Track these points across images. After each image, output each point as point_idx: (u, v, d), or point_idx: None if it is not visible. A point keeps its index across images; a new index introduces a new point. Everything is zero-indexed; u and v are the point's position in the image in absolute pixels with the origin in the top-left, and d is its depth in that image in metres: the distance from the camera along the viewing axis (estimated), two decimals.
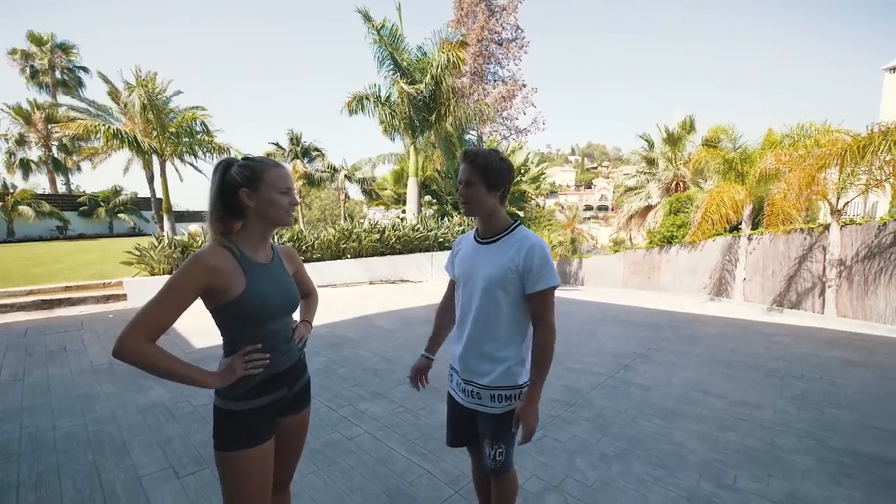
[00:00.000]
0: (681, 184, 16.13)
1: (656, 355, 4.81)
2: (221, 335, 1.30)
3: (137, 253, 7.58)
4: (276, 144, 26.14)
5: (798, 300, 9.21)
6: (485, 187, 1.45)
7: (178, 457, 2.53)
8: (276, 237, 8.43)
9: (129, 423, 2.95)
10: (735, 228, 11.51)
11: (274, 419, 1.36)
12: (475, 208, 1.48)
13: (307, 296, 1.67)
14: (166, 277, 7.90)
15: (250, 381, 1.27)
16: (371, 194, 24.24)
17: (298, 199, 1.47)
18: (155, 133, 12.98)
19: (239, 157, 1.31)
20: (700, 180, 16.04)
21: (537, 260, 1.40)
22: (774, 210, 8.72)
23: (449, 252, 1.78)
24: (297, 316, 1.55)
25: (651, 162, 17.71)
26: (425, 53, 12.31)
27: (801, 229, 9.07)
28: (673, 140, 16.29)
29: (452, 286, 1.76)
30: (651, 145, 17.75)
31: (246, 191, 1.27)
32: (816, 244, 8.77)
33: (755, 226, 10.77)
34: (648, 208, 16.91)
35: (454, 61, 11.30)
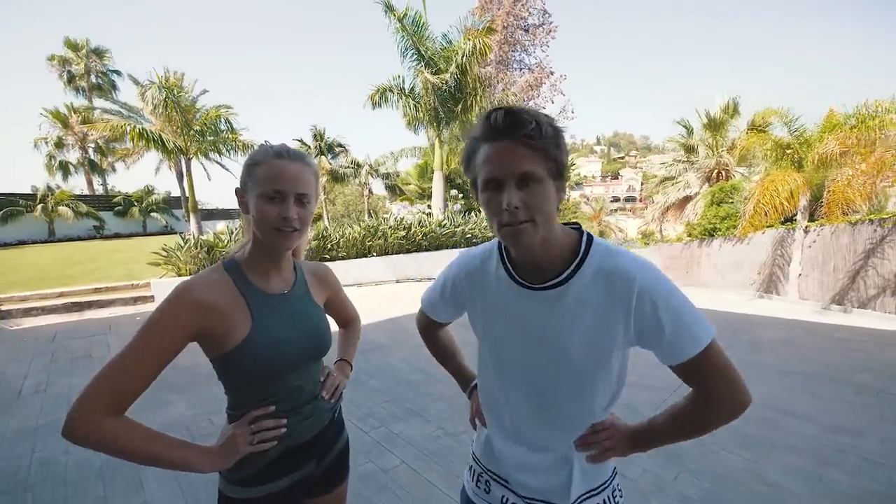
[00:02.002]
0: (723, 172, 15.11)
1: None
2: (225, 391, 0.95)
3: (164, 253, 7.53)
4: (300, 141, 26.25)
5: (866, 299, 8.34)
6: (554, 183, 0.74)
7: (195, 491, 2.25)
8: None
9: None
10: (788, 220, 10.60)
11: (298, 500, 1.01)
12: (543, 231, 0.73)
13: (346, 324, 1.30)
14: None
15: (260, 459, 0.92)
16: (394, 189, 24.03)
17: (297, 213, 0.90)
18: (178, 130, 13.03)
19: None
20: (744, 168, 14.99)
21: (664, 310, 0.73)
22: (836, 198, 7.89)
23: (443, 284, 1.02)
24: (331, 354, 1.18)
25: (690, 149, 16.66)
26: (450, 41, 11.87)
27: (871, 220, 8.18)
28: (714, 125, 15.21)
29: (430, 324, 1.13)
30: (690, 131, 16.69)
31: (239, 190, 0.93)
32: (888, 237, 7.89)
33: (812, 217, 9.86)
34: (687, 199, 15.95)
35: (481, 48, 10.80)
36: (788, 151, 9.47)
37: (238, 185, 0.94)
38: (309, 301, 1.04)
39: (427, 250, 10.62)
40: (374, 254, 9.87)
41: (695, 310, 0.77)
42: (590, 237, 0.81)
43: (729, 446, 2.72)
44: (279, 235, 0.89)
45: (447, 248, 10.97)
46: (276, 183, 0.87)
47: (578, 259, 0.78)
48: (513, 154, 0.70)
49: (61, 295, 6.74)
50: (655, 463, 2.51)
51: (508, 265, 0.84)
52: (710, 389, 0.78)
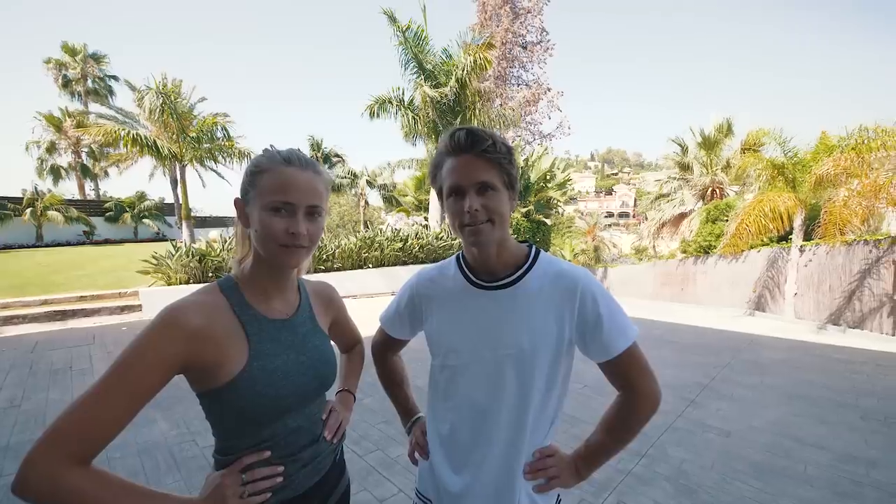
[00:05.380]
0: (717, 190, 15.26)
1: (723, 387, 4.20)
2: (212, 431, 0.83)
3: (154, 261, 7.33)
4: None
5: (861, 319, 8.35)
6: (507, 192, 0.85)
7: None
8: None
9: (124, 471, 2.53)
10: (784, 238, 10.67)
11: None
12: (499, 232, 0.84)
13: (349, 349, 1.18)
14: (183, 288, 7.69)
15: None
16: (391, 201, 23.97)
17: (307, 228, 0.79)
18: (174, 137, 12.91)
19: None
20: (737, 186, 15.16)
21: (603, 306, 0.84)
22: (832, 219, 7.95)
23: (400, 297, 1.07)
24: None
25: (685, 167, 16.83)
26: (450, 55, 11.96)
27: (866, 241, 8.23)
28: (709, 144, 15.41)
29: (387, 343, 1.15)
30: (685, 150, 16.90)
31: (238, 200, 0.82)
32: (884, 257, 7.93)
33: (808, 236, 9.92)
34: (682, 216, 16.06)
35: (481, 63, 10.87)
36: (783, 172, 9.56)
37: (238, 195, 0.83)
38: (314, 327, 0.93)
39: (423, 262, 10.51)
40: (370, 265, 9.74)
41: (624, 311, 0.89)
42: (538, 249, 0.93)
43: (740, 475, 2.61)
44: (285, 253, 0.78)
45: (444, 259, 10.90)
46: (285, 193, 0.77)
47: (528, 263, 0.89)
48: (473, 166, 0.81)
49: (44, 303, 6.50)
50: (667, 495, 2.39)
51: (466, 270, 0.93)
52: (637, 384, 0.88)
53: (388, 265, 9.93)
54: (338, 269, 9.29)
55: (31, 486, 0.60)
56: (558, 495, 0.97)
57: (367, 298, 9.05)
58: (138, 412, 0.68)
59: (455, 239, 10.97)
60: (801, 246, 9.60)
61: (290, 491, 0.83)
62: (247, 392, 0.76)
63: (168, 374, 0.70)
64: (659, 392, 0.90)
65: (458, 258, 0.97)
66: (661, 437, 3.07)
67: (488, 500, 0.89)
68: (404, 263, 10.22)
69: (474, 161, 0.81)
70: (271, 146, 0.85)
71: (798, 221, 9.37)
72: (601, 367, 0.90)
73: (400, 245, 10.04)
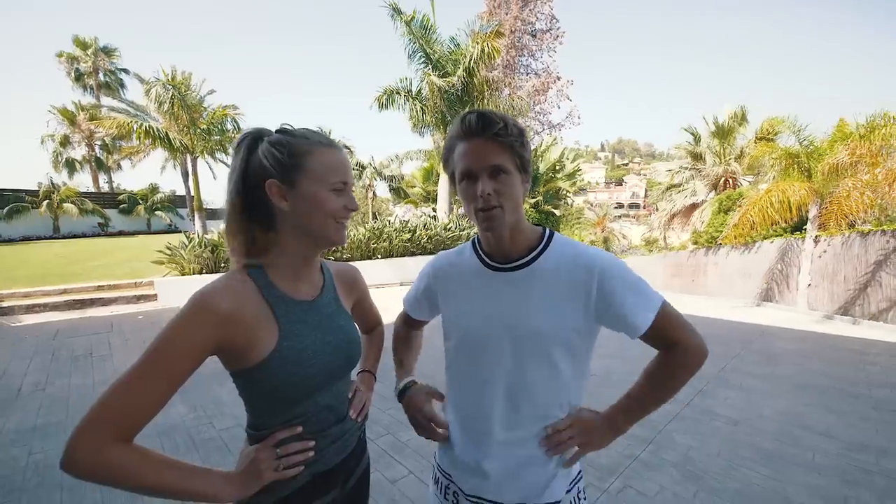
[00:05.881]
0: (730, 180, 15.00)
1: (732, 377, 4.19)
2: (245, 408, 0.86)
3: (168, 252, 7.48)
4: None
5: (878, 311, 8.20)
6: (520, 175, 0.85)
7: None
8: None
9: None
10: (798, 229, 10.49)
11: None
12: (511, 214, 0.83)
13: (370, 331, 1.21)
14: (196, 278, 7.85)
15: (284, 487, 0.82)
16: (399, 192, 23.98)
17: (357, 203, 0.91)
18: (184, 129, 13.04)
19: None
20: (751, 176, 14.89)
21: (622, 283, 0.83)
22: (836, 210, 7.83)
23: (419, 280, 1.10)
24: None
25: (697, 157, 16.54)
26: (458, 44, 11.85)
27: (883, 231, 8.06)
28: (722, 133, 15.11)
29: (407, 321, 1.19)
30: (697, 139, 16.59)
31: (276, 183, 0.79)
32: None
33: (825, 227, 9.74)
34: (693, 206, 15.84)
35: (489, 52, 10.76)
36: (798, 161, 9.36)
37: (274, 179, 0.79)
38: (338, 308, 0.95)
39: (432, 253, 10.56)
40: (379, 256, 9.82)
41: (645, 283, 0.87)
42: (552, 231, 0.92)
43: (747, 462, 2.62)
44: (340, 228, 0.84)
45: None
46: (342, 174, 0.82)
47: (542, 245, 0.88)
48: (484, 150, 0.81)
49: (64, 292, 6.70)
50: (674, 480, 2.41)
51: (481, 253, 0.93)
52: (678, 340, 0.86)
53: (396, 256, 10.01)
54: (346, 260, 9.38)
55: (78, 463, 0.63)
56: (580, 471, 0.97)
57: (375, 289, 9.14)
58: (174, 394, 0.70)
59: (463, 230, 10.99)
60: (816, 236, 9.43)
61: (320, 465, 0.86)
62: (278, 371, 0.78)
63: (200, 357, 0.72)
64: (703, 344, 0.88)
65: (473, 241, 0.98)
66: (667, 425, 3.09)
67: (508, 477, 0.89)
68: (412, 254, 10.28)
69: (486, 145, 0.80)
70: (286, 124, 0.85)
71: (813, 211, 9.19)
72: (644, 337, 0.87)
73: (408, 236, 10.09)
